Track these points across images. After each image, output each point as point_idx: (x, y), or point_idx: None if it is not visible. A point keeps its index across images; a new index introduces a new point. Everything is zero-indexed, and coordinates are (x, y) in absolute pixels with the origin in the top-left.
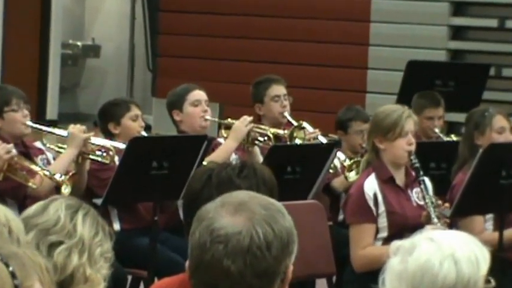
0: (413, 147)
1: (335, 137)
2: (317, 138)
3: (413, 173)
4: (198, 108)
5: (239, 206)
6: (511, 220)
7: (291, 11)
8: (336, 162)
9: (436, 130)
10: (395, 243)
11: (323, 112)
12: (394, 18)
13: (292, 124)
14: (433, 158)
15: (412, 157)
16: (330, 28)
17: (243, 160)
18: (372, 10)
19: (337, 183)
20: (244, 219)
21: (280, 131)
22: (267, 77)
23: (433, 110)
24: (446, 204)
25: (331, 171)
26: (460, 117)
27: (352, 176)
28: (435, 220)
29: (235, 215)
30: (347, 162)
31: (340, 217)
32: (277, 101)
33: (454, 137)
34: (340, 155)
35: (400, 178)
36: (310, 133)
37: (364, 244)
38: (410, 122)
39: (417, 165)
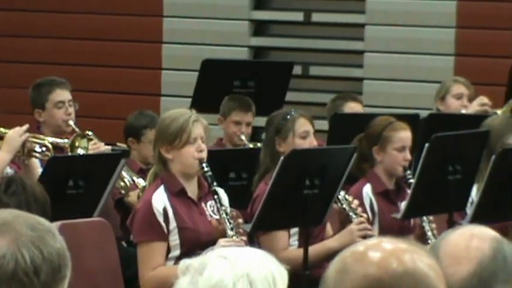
0: (204, 155)
1: (123, 145)
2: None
3: (207, 184)
4: None
5: (2, 226)
6: (316, 235)
7: (72, 6)
8: (125, 174)
9: (243, 137)
10: (184, 262)
11: (113, 118)
12: (189, 12)
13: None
14: (233, 167)
15: (204, 165)
16: (118, 24)
17: (11, 175)
18: (164, 4)
19: (133, 198)
20: (8, 241)
21: (60, 141)
22: (49, 79)
23: (241, 114)
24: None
25: (122, 184)
26: (261, 121)
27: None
28: (230, 233)
29: None
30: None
31: None
32: (60, 107)
33: (259, 144)
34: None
35: (192, 190)
36: (94, 147)
37: (154, 264)
38: (198, 127)
39: (209, 173)
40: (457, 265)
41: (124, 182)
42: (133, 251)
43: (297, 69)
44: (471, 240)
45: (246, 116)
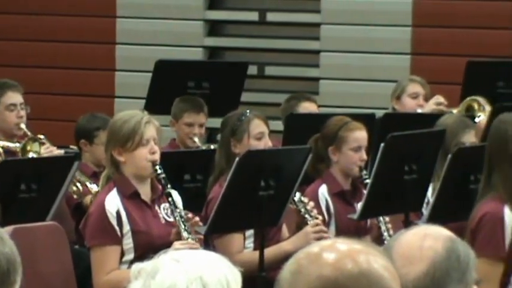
0: (157, 156)
1: (74, 148)
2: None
3: (160, 186)
4: None
5: None
6: (272, 237)
7: (24, 6)
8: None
9: (196, 139)
10: (137, 266)
11: (67, 120)
12: (143, 13)
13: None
14: (187, 169)
15: (157, 167)
16: (71, 25)
17: None
18: (117, 4)
19: (89, 201)
20: None
21: (12, 144)
22: (0, 82)
23: (193, 115)
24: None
25: (75, 188)
26: (216, 122)
27: None
28: (185, 235)
29: None
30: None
31: None
32: (12, 110)
33: (212, 146)
34: None
35: (145, 192)
36: (46, 151)
37: (108, 269)
38: (151, 129)
39: (163, 176)
40: (411, 265)
41: (77, 186)
42: (88, 256)
43: (253, 70)
44: (424, 240)
45: (198, 117)
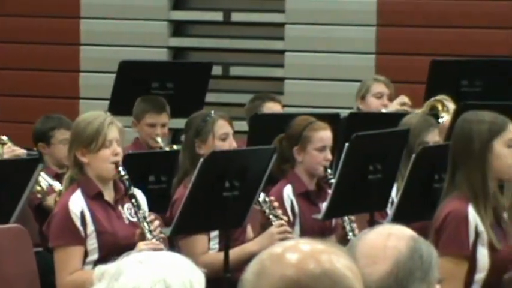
0: (119, 158)
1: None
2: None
3: (123, 187)
4: None
5: None
6: (237, 238)
7: None
8: (42, 179)
9: (158, 139)
10: (100, 268)
11: (31, 122)
12: (107, 13)
13: None
14: (152, 170)
15: (120, 169)
16: (35, 26)
17: None
18: (81, 5)
19: (51, 202)
20: None
21: None
22: None
23: (155, 116)
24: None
25: (39, 188)
26: (181, 123)
27: None
28: (149, 236)
29: None
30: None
31: None
32: None
33: (175, 147)
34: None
35: (108, 193)
36: (8, 150)
37: (72, 269)
38: (114, 130)
39: (126, 177)
40: (374, 265)
41: (40, 186)
42: (51, 258)
43: (217, 70)
44: (388, 239)
45: (160, 118)
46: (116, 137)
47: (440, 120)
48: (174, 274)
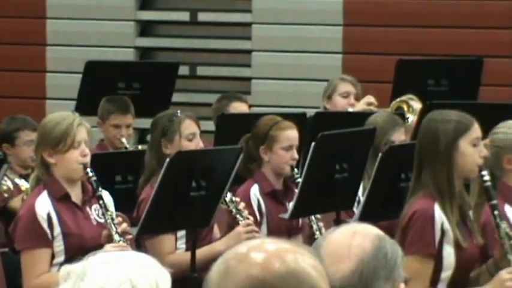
0: (88, 159)
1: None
2: None
3: (91, 188)
4: None
5: None
6: (204, 237)
7: None
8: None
9: (123, 140)
10: (66, 268)
11: None
12: (74, 13)
13: None
14: (118, 170)
15: (88, 170)
16: (1, 27)
17: None
18: (47, 5)
19: (17, 203)
20: None
21: None
22: None
23: (120, 117)
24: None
25: (5, 187)
26: (148, 123)
27: None
28: (116, 238)
29: None
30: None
31: None
32: None
33: (140, 147)
34: None
35: (76, 194)
36: None
37: (39, 272)
38: (82, 131)
39: (94, 178)
40: (339, 263)
41: (6, 185)
42: (18, 259)
43: (184, 70)
44: (352, 238)
45: (125, 119)
46: (85, 138)
47: (406, 121)
48: (140, 274)
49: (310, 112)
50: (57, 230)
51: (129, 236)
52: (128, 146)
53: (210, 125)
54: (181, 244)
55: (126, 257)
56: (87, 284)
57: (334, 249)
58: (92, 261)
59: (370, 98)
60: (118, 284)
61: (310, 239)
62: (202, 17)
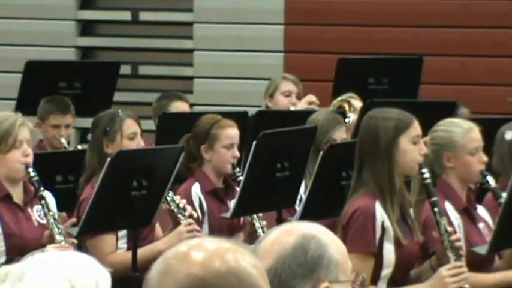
0: (30, 159)
1: None
2: None
3: (33, 188)
4: None
5: None
6: (145, 237)
7: None
8: None
9: (63, 140)
10: (4, 269)
11: None
12: (14, 13)
13: None
14: (59, 170)
15: (30, 170)
16: None
17: None
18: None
19: None
20: None
21: None
22: None
23: (59, 117)
24: (73, 220)
25: None
26: (89, 122)
27: None
28: (59, 238)
29: None
30: None
31: None
32: None
33: (79, 147)
34: None
35: (17, 195)
36: None
37: None
38: (25, 131)
39: (36, 178)
40: (262, 260)
41: None
42: None
43: (126, 69)
44: (280, 235)
45: (64, 119)
46: (27, 137)
47: (347, 120)
48: (80, 274)
49: (252, 111)
50: None
51: (73, 240)
52: (67, 146)
53: (151, 124)
54: (123, 244)
55: (66, 257)
56: (25, 285)
57: (262, 246)
58: (30, 262)
59: (311, 97)
60: (57, 284)
61: (252, 237)
62: (144, 16)
